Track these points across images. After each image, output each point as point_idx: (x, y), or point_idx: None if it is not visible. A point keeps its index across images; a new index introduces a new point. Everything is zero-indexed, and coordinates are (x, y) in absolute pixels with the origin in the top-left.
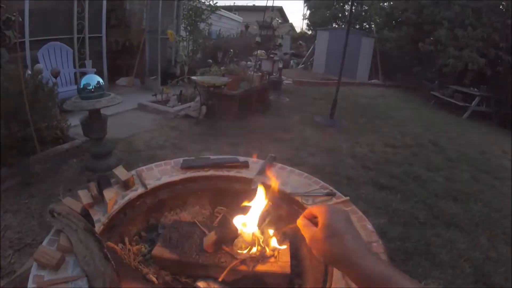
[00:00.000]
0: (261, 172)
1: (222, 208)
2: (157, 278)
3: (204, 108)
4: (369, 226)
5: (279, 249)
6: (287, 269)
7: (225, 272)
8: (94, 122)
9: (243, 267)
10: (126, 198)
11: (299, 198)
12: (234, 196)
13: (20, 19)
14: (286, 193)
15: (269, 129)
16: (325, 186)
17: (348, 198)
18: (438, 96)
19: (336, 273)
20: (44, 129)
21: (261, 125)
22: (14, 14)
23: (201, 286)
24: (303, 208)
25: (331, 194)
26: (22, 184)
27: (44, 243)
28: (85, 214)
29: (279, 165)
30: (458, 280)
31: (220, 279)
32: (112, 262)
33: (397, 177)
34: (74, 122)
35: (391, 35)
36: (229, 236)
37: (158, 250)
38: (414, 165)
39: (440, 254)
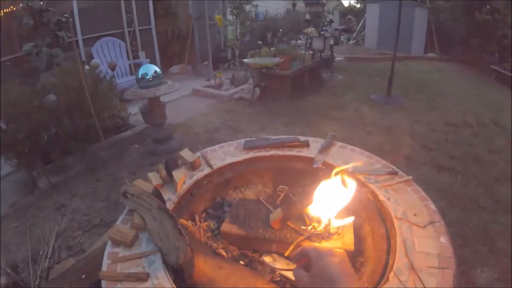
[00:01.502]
0: (322, 151)
1: (284, 187)
2: (226, 252)
3: (257, 90)
4: (432, 206)
5: (343, 227)
6: (351, 247)
7: (290, 248)
8: (154, 109)
9: (307, 243)
10: (194, 178)
11: (361, 177)
12: (296, 174)
13: (71, 20)
14: (349, 171)
15: (324, 108)
16: (386, 165)
17: (410, 177)
18: (499, 71)
19: (399, 251)
20: (106, 119)
21: (315, 104)
22: (65, 15)
23: (267, 261)
24: (366, 187)
25: (393, 173)
26: (88, 170)
27: (118, 222)
28: (157, 194)
29: (340, 143)
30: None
31: (286, 254)
32: (186, 237)
33: (457, 158)
34: (134, 110)
35: (445, 4)
36: (295, 213)
37: (227, 226)
38: (475, 146)
39: (498, 241)
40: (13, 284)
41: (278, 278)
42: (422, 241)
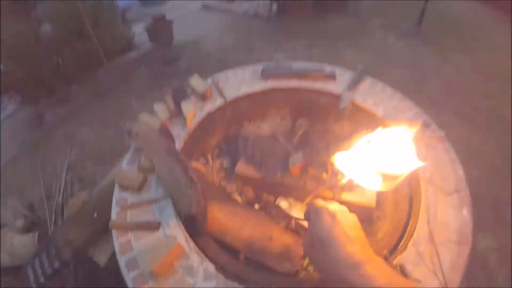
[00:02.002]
0: (350, 87)
1: (303, 121)
2: (240, 196)
3: (274, 6)
4: (460, 172)
5: None
6: (373, 203)
7: (310, 198)
8: (160, 28)
9: (328, 193)
10: (205, 111)
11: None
12: (318, 110)
13: None
14: (378, 116)
15: (347, 32)
16: (419, 113)
17: (443, 133)
18: None
19: (422, 218)
20: (108, 41)
21: (337, 27)
22: None
23: (283, 206)
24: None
25: (426, 125)
26: (95, 97)
27: (124, 163)
28: (165, 132)
29: (370, 79)
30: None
31: (304, 204)
32: (198, 185)
33: (481, 111)
34: (138, 29)
35: None
36: (317, 161)
37: (241, 168)
38: (501, 102)
39: (504, 211)
40: (31, 224)
41: (294, 226)
42: (445, 211)
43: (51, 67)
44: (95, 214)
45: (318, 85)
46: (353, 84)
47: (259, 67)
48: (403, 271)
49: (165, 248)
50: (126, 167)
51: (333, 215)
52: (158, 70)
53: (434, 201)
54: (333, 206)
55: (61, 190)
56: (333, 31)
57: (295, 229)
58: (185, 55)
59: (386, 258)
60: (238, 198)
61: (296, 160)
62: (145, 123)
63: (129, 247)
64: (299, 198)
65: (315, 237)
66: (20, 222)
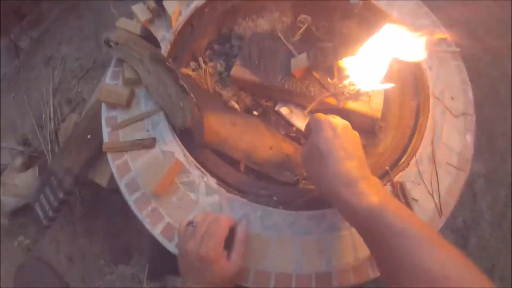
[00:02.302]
0: None
1: (306, 16)
2: (237, 102)
3: None
4: (470, 94)
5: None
6: (378, 114)
7: (312, 105)
8: None
9: (331, 100)
10: (192, 6)
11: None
12: (323, 4)
13: None
14: (392, 18)
15: None
16: (436, 22)
17: (458, 49)
18: None
19: (427, 137)
20: None
21: None
22: None
23: (283, 112)
24: None
25: (441, 36)
26: (68, 9)
27: (107, 78)
28: (146, 35)
29: None
30: (499, 172)
31: (305, 112)
32: (191, 94)
33: (494, 31)
34: None
35: None
36: (323, 64)
37: (237, 70)
38: None
39: (498, 139)
40: (29, 159)
41: (294, 134)
42: (450, 132)
43: None
44: (88, 136)
45: None
46: None
47: None
48: (402, 190)
49: (164, 165)
50: (110, 81)
51: (335, 129)
52: None
53: (441, 120)
54: (336, 120)
55: (52, 117)
56: None
57: (296, 137)
58: None
59: (387, 173)
60: (236, 106)
61: (300, 63)
62: (124, 30)
63: (126, 168)
64: (301, 105)
65: (314, 150)
66: (18, 161)
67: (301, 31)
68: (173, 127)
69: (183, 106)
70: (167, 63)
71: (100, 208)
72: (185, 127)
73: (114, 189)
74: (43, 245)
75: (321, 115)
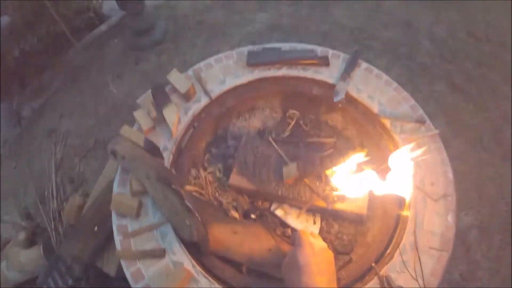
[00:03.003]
0: (344, 75)
1: (294, 112)
2: (236, 208)
3: None
4: (450, 175)
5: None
6: (364, 210)
7: (305, 208)
8: None
9: (321, 203)
10: (190, 113)
11: (387, 122)
12: (310, 100)
13: None
14: (374, 112)
15: None
16: (415, 107)
17: (437, 132)
18: None
19: (409, 227)
20: (74, 18)
21: None
22: None
23: (279, 214)
24: (388, 134)
25: (421, 121)
26: (69, 82)
27: (115, 187)
28: (150, 148)
29: (364, 65)
30: (491, 221)
31: (299, 214)
32: (196, 214)
33: (473, 80)
34: None
35: None
36: (312, 173)
37: (235, 179)
38: (493, 70)
39: (487, 187)
40: (32, 235)
41: (290, 234)
42: (431, 217)
43: (17, 58)
44: (95, 228)
45: (310, 73)
46: (348, 71)
47: (243, 50)
48: (388, 281)
49: (175, 277)
50: (118, 189)
51: (313, 248)
52: (132, 43)
53: (422, 208)
54: (315, 241)
55: (54, 194)
56: None
57: (291, 236)
58: (160, 21)
59: (374, 268)
60: (235, 215)
61: (291, 172)
62: (128, 141)
63: (140, 275)
64: (294, 205)
65: (293, 261)
66: (21, 235)
67: (290, 126)
68: (181, 239)
69: (189, 224)
70: (172, 186)
71: None
72: (192, 241)
73: (123, 278)
74: None
75: (304, 234)
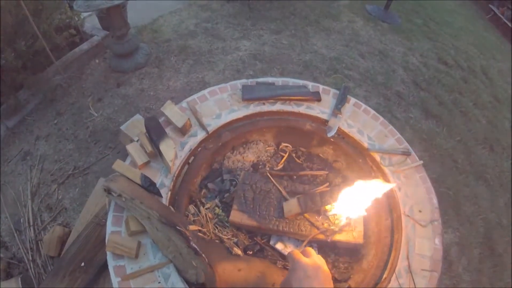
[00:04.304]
0: (336, 112)
1: (287, 145)
2: (238, 244)
3: None
4: (435, 201)
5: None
6: (360, 240)
7: (305, 243)
8: (113, 17)
9: (321, 236)
10: (187, 148)
11: (377, 156)
12: (303, 135)
13: None
14: (364, 146)
15: (314, 13)
16: (400, 140)
17: (421, 162)
18: (495, 12)
19: (402, 253)
20: (54, 35)
21: (304, 6)
22: None
23: (279, 248)
24: (378, 166)
25: (406, 154)
26: (47, 102)
27: (108, 225)
28: (147, 186)
29: (353, 100)
30: (470, 236)
31: (300, 250)
32: (203, 255)
33: (446, 105)
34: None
35: None
36: (313, 209)
37: (236, 216)
38: (464, 95)
39: (464, 205)
40: (8, 266)
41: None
42: (421, 242)
43: None
44: (82, 264)
45: (303, 108)
46: (339, 107)
47: (236, 83)
48: None
49: None
50: (112, 228)
51: (305, 270)
52: (114, 64)
53: (412, 234)
54: (308, 261)
55: (31, 223)
56: (300, 13)
57: None
58: (142, 44)
59: None
60: (238, 252)
61: (292, 209)
62: (124, 178)
63: None
64: (292, 238)
65: (287, 284)
66: None
67: (283, 159)
68: (186, 281)
69: (196, 265)
70: (177, 227)
71: None
72: (198, 282)
73: None
74: None
75: (296, 255)
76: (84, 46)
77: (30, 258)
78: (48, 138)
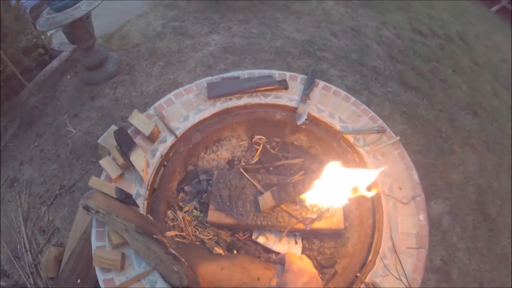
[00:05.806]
0: (304, 98)
1: (260, 137)
2: (219, 244)
3: None
4: (415, 176)
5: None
6: (340, 225)
7: (284, 233)
8: (78, 31)
9: (300, 226)
10: (158, 155)
11: (350, 138)
12: (274, 125)
13: None
14: (337, 130)
15: None
16: (374, 118)
17: (398, 138)
18: None
19: (385, 233)
20: (22, 58)
21: None
22: None
23: (261, 241)
24: (353, 148)
25: (381, 131)
26: (25, 125)
27: (93, 240)
28: (123, 198)
29: (322, 83)
30: (461, 204)
31: (280, 241)
32: (183, 259)
33: (424, 76)
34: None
35: None
36: (288, 200)
37: (214, 216)
38: (441, 63)
39: (452, 173)
40: None
41: (274, 258)
42: (404, 220)
43: None
44: (78, 281)
45: (271, 98)
46: (307, 93)
47: (202, 82)
48: (374, 286)
49: None
50: (97, 243)
51: (303, 275)
52: (86, 77)
53: (394, 212)
54: (304, 267)
55: (27, 248)
56: None
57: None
58: (111, 53)
59: (359, 277)
60: (220, 251)
61: (267, 202)
62: (99, 193)
63: None
64: (274, 230)
65: (283, 284)
66: None
67: (258, 152)
68: (171, 286)
69: (177, 270)
70: (153, 236)
71: None
72: (183, 286)
73: None
74: None
75: (293, 258)
76: (54, 63)
77: (32, 282)
78: (31, 161)
